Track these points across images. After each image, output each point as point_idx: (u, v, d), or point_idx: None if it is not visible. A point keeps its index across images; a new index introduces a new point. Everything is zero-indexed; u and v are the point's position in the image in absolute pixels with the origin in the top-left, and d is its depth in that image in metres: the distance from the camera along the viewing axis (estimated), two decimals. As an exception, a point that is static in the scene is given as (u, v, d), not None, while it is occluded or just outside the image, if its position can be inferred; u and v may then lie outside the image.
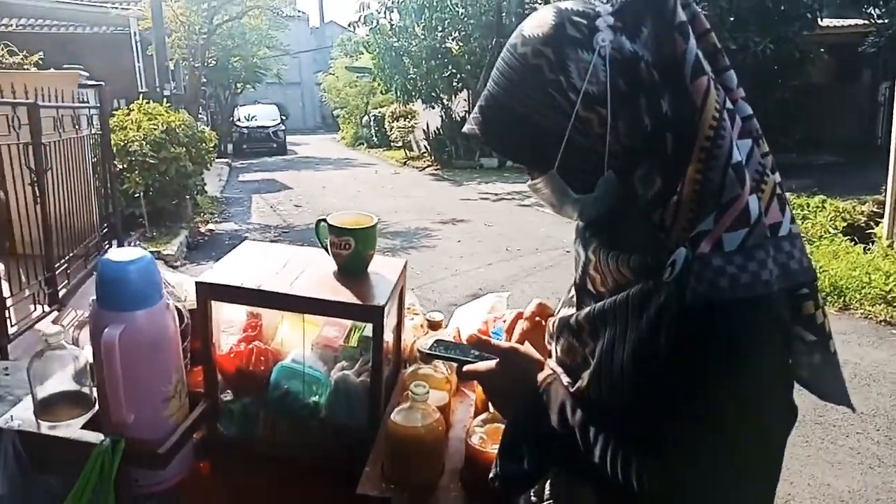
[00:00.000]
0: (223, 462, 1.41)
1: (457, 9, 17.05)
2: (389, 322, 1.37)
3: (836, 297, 5.70)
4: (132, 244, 7.85)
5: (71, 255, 5.73)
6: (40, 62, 7.90)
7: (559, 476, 1.01)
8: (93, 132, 6.88)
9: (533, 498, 1.06)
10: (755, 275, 0.76)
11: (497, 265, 7.33)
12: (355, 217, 1.37)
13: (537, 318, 1.13)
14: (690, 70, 0.79)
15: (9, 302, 4.27)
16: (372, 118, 25.24)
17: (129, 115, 9.17)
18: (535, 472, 0.95)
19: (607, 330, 0.86)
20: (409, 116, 21.17)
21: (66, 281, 5.51)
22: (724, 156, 0.78)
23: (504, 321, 1.50)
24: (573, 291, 1.01)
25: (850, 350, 4.68)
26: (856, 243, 7.11)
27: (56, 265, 5.25)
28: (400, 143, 21.52)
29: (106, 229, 7.17)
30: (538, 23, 0.85)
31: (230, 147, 22.48)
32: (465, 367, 0.99)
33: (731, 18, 12.32)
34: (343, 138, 29.97)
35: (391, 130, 22.24)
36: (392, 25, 17.78)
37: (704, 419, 0.77)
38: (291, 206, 12.09)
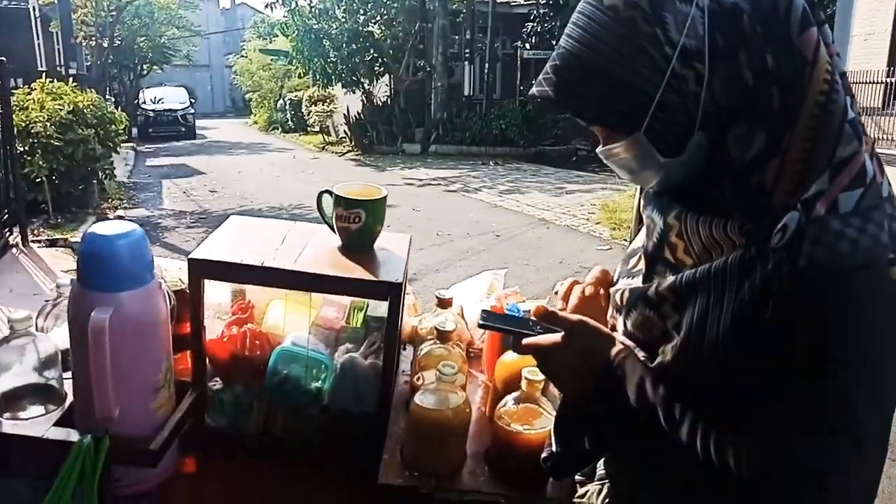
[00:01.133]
0: (212, 457, 1.29)
1: (378, -8, 16.83)
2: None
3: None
4: (35, 232, 7.34)
5: (-31, 243, 5.28)
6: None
7: (621, 455, 0.95)
8: (-10, 111, 6.36)
9: (579, 476, 1.01)
10: (875, 238, 0.71)
11: (428, 250, 7.26)
12: (362, 188, 1.27)
13: (599, 287, 1.06)
14: (799, 22, 0.75)
15: None
16: (287, 102, 24.56)
17: (30, 94, 8.51)
18: (594, 452, 0.90)
19: (698, 300, 0.80)
20: (329, 101, 20.72)
21: (-34, 271, 5.07)
22: (840, 111, 0.73)
23: (510, 298, 1.44)
24: (634, 261, 0.95)
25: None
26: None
27: (-46, 254, 4.81)
28: (318, 128, 21.06)
29: (6, 216, 6.66)
30: None
31: (135, 131, 21.34)
32: (526, 340, 0.92)
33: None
34: (256, 122, 29.08)
35: (309, 115, 21.71)
36: (311, 7, 17.33)
37: (823, 396, 0.72)
38: (206, 191, 11.59)
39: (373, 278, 1.17)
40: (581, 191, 10.97)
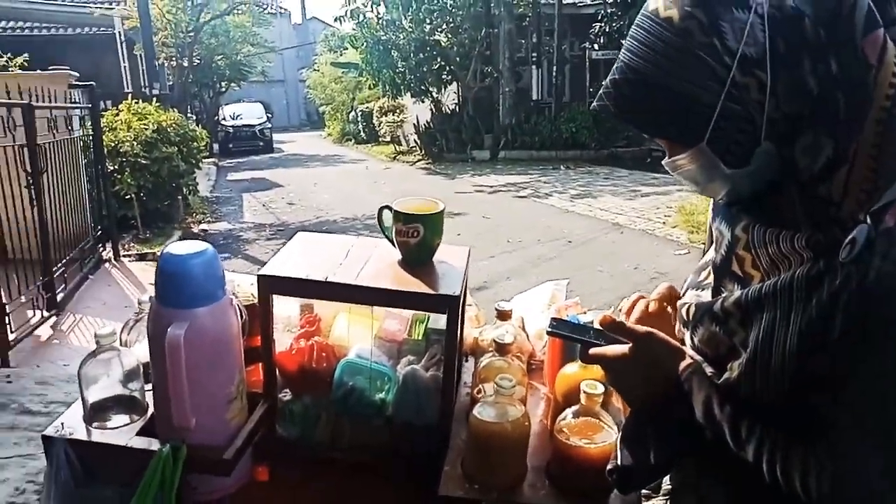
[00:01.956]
0: (283, 466, 1.34)
1: (445, 0, 16.94)
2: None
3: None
4: (125, 246, 7.74)
5: (67, 258, 5.63)
6: (25, 64, 7.74)
7: (688, 470, 0.94)
8: (84, 133, 6.77)
9: (644, 491, 1.00)
10: None
11: (499, 257, 7.26)
12: (420, 203, 1.30)
13: (664, 303, 1.06)
14: (862, 24, 0.72)
15: (7, 308, 4.17)
16: (359, 113, 25.05)
17: (117, 115, 9.02)
18: (661, 465, 0.89)
19: (764, 316, 0.78)
20: (398, 111, 21.03)
21: (64, 285, 5.41)
22: None
23: (570, 309, 1.43)
24: (705, 274, 0.94)
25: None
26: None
27: (53, 269, 5.14)
28: (389, 138, 21.37)
29: (100, 232, 7.07)
30: None
31: (216, 147, 22.23)
32: (593, 350, 0.92)
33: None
34: (329, 135, 29.76)
35: (380, 125, 22.09)
36: (379, 19, 17.64)
37: (891, 418, 0.69)
38: (284, 203, 11.95)
39: (431, 292, 1.20)
40: (656, 193, 10.72)
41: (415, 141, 19.08)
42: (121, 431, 1.23)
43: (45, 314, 4.87)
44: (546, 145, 15.96)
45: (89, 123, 6.95)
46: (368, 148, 22.87)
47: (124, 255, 7.38)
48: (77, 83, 6.72)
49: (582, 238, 8.03)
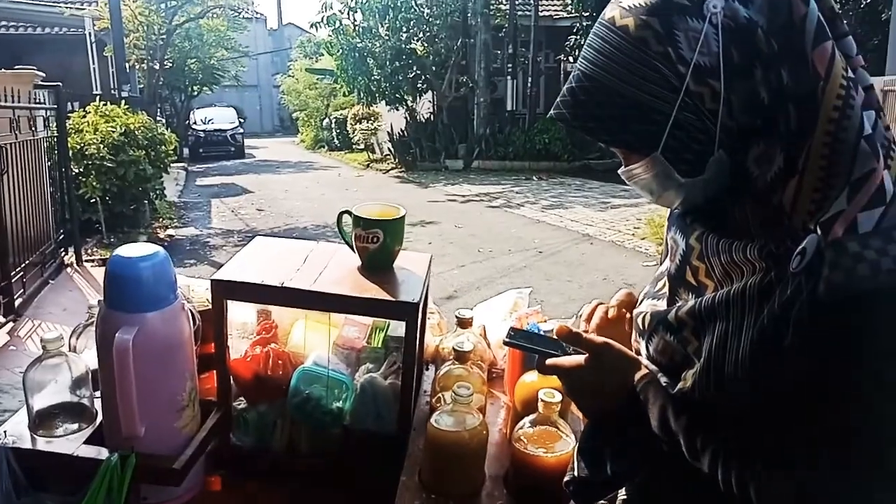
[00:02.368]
0: (237, 475, 1.31)
1: (422, 9, 16.98)
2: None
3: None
4: (89, 251, 7.59)
5: (26, 262, 5.50)
6: (-10, 63, 7.58)
7: (643, 482, 0.93)
8: (49, 135, 6.63)
9: (602, 502, 0.99)
10: None
11: (470, 267, 7.26)
12: (381, 208, 1.28)
13: (623, 309, 1.05)
14: (812, 36, 0.72)
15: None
16: (333, 120, 24.95)
17: (84, 117, 8.85)
18: (619, 476, 0.88)
19: (717, 326, 0.78)
20: (373, 118, 20.98)
21: (22, 290, 5.28)
22: (855, 127, 0.71)
23: (531, 318, 1.43)
24: (661, 284, 0.93)
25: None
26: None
27: (11, 273, 5.02)
28: (362, 146, 21.31)
29: (62, 236, 6.91)
30: None
31: (186, 151, 21.97)
32: (549, 361, 0.91)
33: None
34: (303, 141, 29.61)
35: (353, 133, 22.01)
36: (355, 26, 17.60)
37: (847, 429, 0.69)
38: (254, 209, 11.83)
39: (390, 298, 1.18)
40: (626, 205, 10.83)
41: (388, 149, 19.05)
42: (68, 440, 1.20)
43: (2, 319, 4.75)
44: (520, 156, 16.04)
45: (54, 125, 6.82)
46: (342, 155, 22.79)
47: (87, 260, 7.22)
48: (43, 83, 6.59)
49: (552, 248, 8.07)
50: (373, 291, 1.20)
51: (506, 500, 1.11)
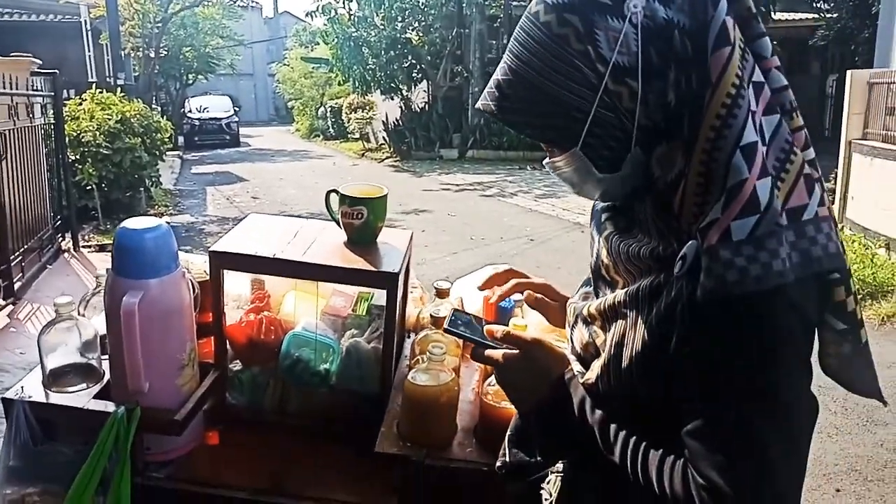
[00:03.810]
0: (232, 431, 1.43)
1: (416, -1, 17.06)
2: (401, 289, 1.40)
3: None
4: (85, 237, 7.67)
5: (25, 247, 5.60)
6: (-15, 50, 7.63)
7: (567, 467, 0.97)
8: (45, 122, 6.71)
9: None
10: (766, 266, 0.70)
11: (462, 254, 7.38)
12: (366, 188, 1.40)
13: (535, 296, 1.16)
14: (713, 40, 0.73)
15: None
16: (328, 109, 24.99)
17: (80, 104, 8.92)
18: (545, 462, 0.94)
19: (618, 322, 0.82)
20: (368, 107, 21.03)
21: (21, 274, 5.39)
22: (734, 136, 0.72)
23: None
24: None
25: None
26: (806, 229, 7.42)
27: (11, 258, 5.12)
28: (357, 135, 21.37)
29: (59, 222, 7.00)
30: None
31: (181, 139, 21.98)
32: (486, 352, 0.97)
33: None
34: (298, 130, 29.61)
35: (349, 122, 22.06)
36: (351, 15, 17.66)
37: (720, 421, 0.74)
38: (248, 197, 11.93)
39: (372, 269, 1.30)
40: (617, 194, 10.96)
41: (383, 138, 19.12)
42: (78, 395, 1.31)
43: (2, 302, 4.86)
44: (514, 146, 16.14)
45: (51, 112, 6.89)
46: (337, 144, 22.83)
47: (84, 246, 7.32)
48: (40, 70, 6.66)
49: (544, 237, 8.20)
50: (357, 262, 1.32)
51: (475, 448, 1.23)
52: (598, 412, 0.85)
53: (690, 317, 0.74)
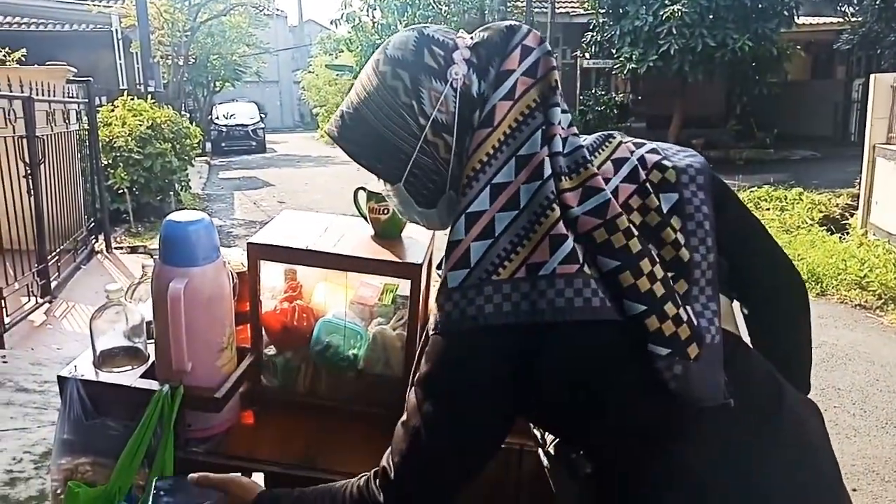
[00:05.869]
0: (267, 411, 1.53)
1: (440, 6, 17.19)
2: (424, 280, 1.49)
3: (813, 283, 5.94)
4: (117, 239, 7.88)
5: (60, 248, 5.79)
6: (23, 59, 7.89)
7: None
8: (80, 128, 6.92)
9: None
10: (462, 311, 0.85)
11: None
12: (391, 184, 1.49)
13: None
14: (480, 120, 0.89)
15: (4, 293, 4.33)
16: (352, 116, 25.13)
17: (113, 111, 9.17)
18: None
19: None
20: (391, 114, 21.14)
21: (57, 273, 5.57)
22: (466, 203, 0.87)
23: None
24: None
25: (827, 332, 4.90)
26: (832, 233, 7.44)
27: (48, 257, 5.30)
28: (381, 141, 21.47)
29: (93, 224, 7.22)
30: (401, 44, 0.93)
31: (209, 145, 22.36)
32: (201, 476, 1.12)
33: (711, 16, 12.63)
34: (322, 136, 29.77)
35: (372, 128, 22.18)
36: (374, 23, 17.84)
37: (411, 424, 0.94)
38: (275, 202, 12.12)
39: (397, 260, 1.40)
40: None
41: (406, 144, 19.21)
42: (126, 375, 1.42)
43: (40, 300, 5.03)
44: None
45: (85, 118, 7.11)
46: (361, 150, 22.94)
47: (116, 248, 7.53)
48: (74, 78, 6.88)
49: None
50: (384, 254, 1.41)
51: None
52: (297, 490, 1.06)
53: (424, 343, 0.94)
